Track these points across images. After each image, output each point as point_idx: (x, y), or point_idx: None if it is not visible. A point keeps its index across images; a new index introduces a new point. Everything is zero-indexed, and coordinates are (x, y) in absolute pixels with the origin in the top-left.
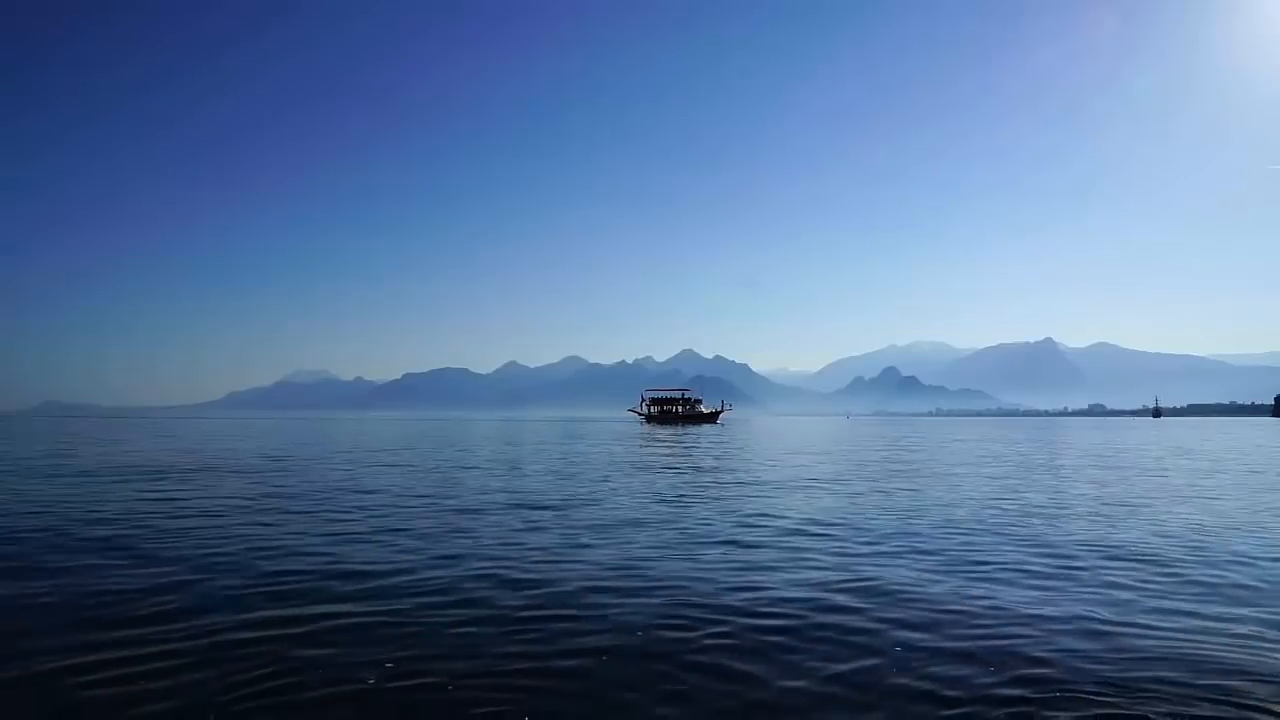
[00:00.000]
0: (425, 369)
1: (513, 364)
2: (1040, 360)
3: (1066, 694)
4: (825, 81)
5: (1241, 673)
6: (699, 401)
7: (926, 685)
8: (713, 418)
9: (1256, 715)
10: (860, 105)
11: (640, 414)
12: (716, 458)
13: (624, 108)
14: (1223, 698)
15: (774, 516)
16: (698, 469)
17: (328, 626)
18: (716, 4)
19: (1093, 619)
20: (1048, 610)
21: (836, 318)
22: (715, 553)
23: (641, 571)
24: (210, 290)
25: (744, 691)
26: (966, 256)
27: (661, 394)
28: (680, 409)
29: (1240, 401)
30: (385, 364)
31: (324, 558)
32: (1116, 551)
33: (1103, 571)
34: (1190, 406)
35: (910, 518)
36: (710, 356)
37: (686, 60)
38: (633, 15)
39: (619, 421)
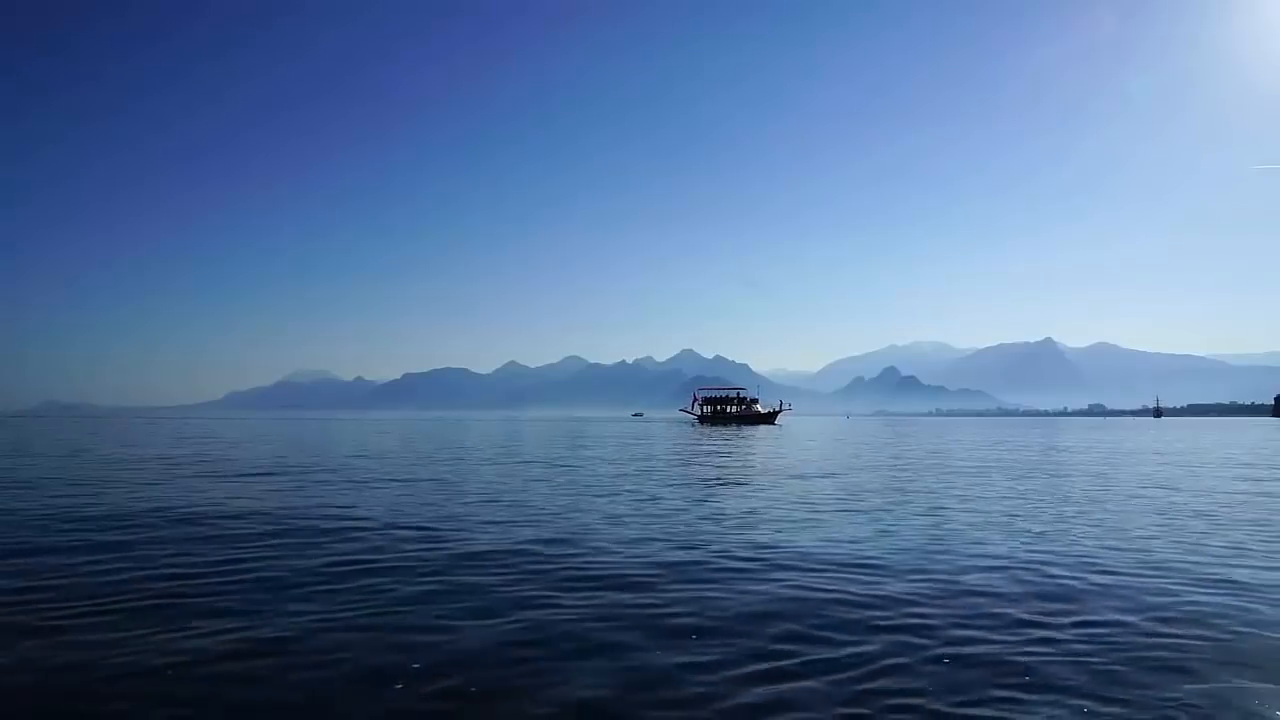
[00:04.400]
0: (425, 369)
1: (513, 364)
2: (1040, 360)
3: None
4: (825, 81)
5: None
6: (755, 401)
7: None
8: (770, 418)
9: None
10: (860, 105)
11: (693, 414)
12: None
13: (624, 108)
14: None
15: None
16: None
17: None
18: (717, 4)
19: None
20: None
21: (836, 318)
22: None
23: None
24: (210, 290)
25: None
26: (966, 256)
27: (715, 393)
28: (735, 409)
29: (1240, 401)
30: (385, 364)
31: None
32: None
33: None
34: (1190, 406)
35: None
36: (710, 356)
37: (686, 61)
38: (633, 16)
39: (664, 422)
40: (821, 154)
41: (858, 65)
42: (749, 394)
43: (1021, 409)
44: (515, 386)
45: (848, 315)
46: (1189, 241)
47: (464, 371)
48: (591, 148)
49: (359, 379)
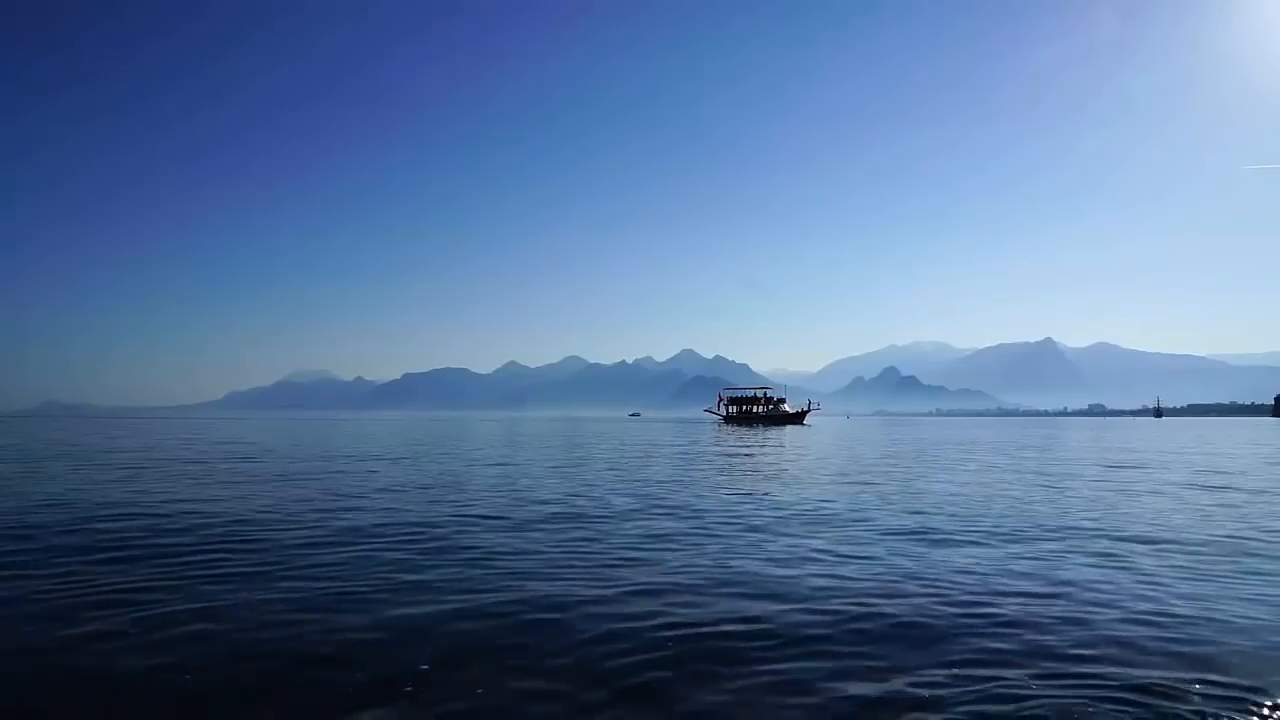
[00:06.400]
0: (425, 369)
1: (513, 364)
2: (1040, 360)
3: None
4: (825, 81)
5: None
6: (782, 401)
7: None
8: (799, 418)
9: None
10: (860, 105)
11: (717, 414)
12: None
13: (624, 107)
14: None
15: None
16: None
17: None
18: (717, 5)
19: None
20: None
21: (836, 318)
22: None
23: None
24: (210, 290)
25: None
26: (966, 256)
27: (741, 393)
28: (761, 409)
29: (1240, 401)
30: (385, 364)
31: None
32: None
33: None
34: (1190, 406)
35: None
36: (710, 356)
37: (687, 60)
38: (633, 16)
39: (666, 422)
40: (821, 154)
41: (858, 65)
42: (775, 393)
43: (1021, 409)
44: (515, 386)
45: (848, 315)
46: (1189, 241)
47: (464, 371)
48: (591, 148)
49: (359, 379)
